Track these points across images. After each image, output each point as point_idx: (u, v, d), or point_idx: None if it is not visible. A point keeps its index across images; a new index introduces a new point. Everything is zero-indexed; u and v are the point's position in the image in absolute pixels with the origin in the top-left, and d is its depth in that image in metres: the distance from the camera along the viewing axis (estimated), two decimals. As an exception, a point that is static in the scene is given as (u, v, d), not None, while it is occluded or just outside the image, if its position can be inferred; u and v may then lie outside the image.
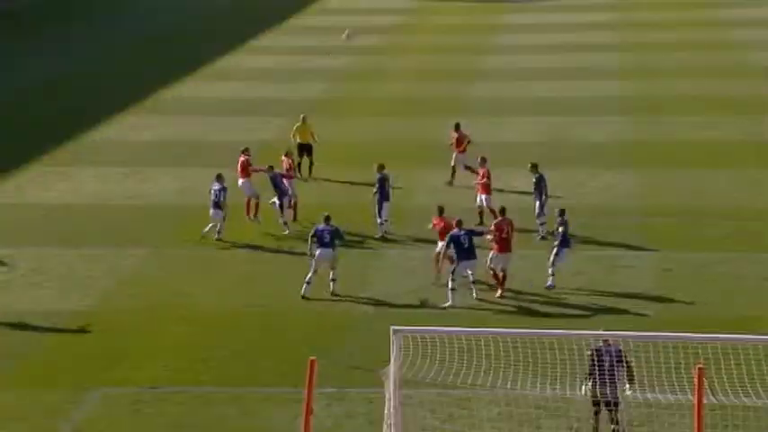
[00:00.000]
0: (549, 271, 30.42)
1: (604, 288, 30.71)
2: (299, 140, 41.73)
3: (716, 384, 21.85)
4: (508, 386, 22.01)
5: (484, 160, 36.25)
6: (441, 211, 31.71)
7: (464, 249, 29.61)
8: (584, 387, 21.78)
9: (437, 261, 30.68)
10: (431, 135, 46.96)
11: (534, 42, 71.43)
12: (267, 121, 51.02)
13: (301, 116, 42.57)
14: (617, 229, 35.38)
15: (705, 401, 19.59)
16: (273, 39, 75.11)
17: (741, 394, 21.77)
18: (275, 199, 35.52)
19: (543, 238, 33.88)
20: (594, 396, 21.64)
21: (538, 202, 34.53)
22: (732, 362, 23.53)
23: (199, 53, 68.54)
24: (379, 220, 34.95)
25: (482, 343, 22.11)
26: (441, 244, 30.58)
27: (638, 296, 30.12)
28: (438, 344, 21.67)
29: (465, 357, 22.09)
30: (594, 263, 32.57)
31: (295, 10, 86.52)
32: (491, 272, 30.39)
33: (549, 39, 72.44)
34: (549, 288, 30.30)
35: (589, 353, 21.70)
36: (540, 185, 34.38)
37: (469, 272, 29.89)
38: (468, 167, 39.23)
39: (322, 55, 67.50)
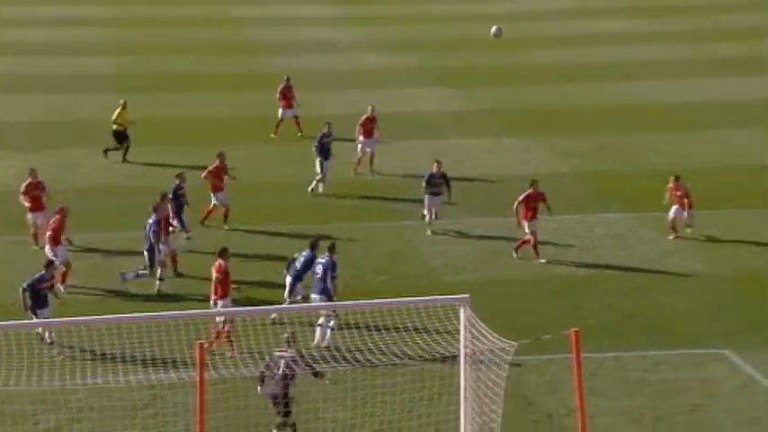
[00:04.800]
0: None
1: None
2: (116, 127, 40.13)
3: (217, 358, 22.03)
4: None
5: None
6: None
7: None
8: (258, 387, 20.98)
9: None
10: None
11: (21, 15, 68.98)
12: None
13: (121, 101, 40.54)
14: (121, 210, 34.52)
15: (207, 377, 19.55)
16: None
17: (241, 366, 22.07)
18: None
19: None
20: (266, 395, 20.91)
21: None
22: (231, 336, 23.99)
23: None
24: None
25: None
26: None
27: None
28: None
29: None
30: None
31: None
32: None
33: (37, 12, 70.19)
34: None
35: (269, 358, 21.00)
36: None
37: None
38: None
39: None
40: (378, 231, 32.60)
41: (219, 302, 24.99)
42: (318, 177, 36.29)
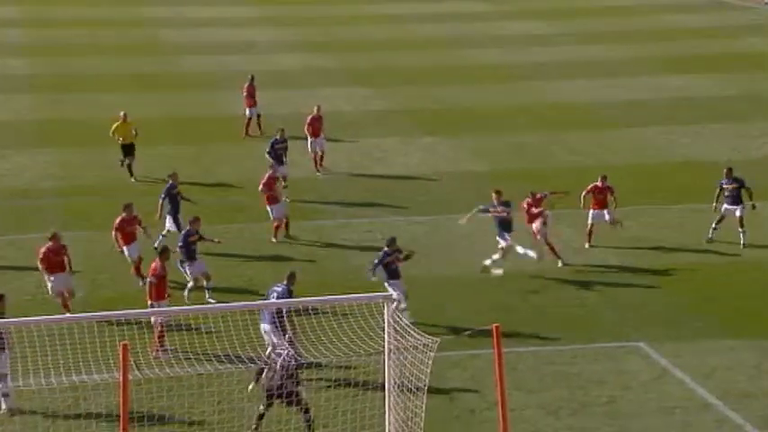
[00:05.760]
0: None
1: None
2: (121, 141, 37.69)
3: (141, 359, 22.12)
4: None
5: None
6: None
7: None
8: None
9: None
10: None
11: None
12: None
13: (122, 113, 38.19)
14: (39, 211, 34.37)
15: (131, 377, 19.64)
16: None
17: (165, 366, 22.18)
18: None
19: None
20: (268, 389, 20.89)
21: None
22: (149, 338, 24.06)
23: None
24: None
25: None
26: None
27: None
28: None
29: None
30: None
31: None
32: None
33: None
34: None
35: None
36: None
37: None
38: None
39: None
40: (301, 230, 32.76)
41: (154, 305, 24.61)
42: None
